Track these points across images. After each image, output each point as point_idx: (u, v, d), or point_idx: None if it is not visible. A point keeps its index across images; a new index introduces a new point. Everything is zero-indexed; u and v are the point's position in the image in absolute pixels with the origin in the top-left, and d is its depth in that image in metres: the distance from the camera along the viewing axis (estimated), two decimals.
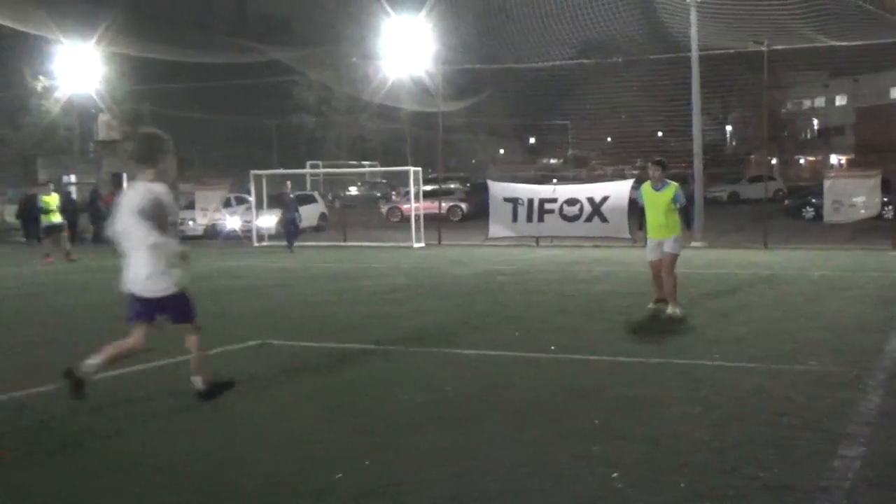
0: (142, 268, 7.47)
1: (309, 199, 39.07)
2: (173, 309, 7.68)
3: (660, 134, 67.24)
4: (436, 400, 8.00)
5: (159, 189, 7.60)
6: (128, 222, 7.42)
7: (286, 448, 6.60)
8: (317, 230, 37.29)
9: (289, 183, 31.71)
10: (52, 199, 25.09)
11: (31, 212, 37.38)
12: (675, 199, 12.86)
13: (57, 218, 24.93)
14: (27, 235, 36.61)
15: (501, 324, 12.47)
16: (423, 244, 30.16)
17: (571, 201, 28.54)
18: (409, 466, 6.11)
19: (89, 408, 7.80)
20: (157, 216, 7.41)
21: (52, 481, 5.97)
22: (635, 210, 14.44)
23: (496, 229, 29.93)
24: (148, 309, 7.58)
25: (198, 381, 7.82)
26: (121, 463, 6.31)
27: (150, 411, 7.81)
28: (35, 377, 8.99)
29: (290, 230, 29.19)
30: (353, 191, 56.37)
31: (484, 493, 5.52)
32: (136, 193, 7.55)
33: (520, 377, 8.91)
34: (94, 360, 7.57)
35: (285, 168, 40.18)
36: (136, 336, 7.68)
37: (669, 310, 12.44)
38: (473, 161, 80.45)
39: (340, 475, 5.88)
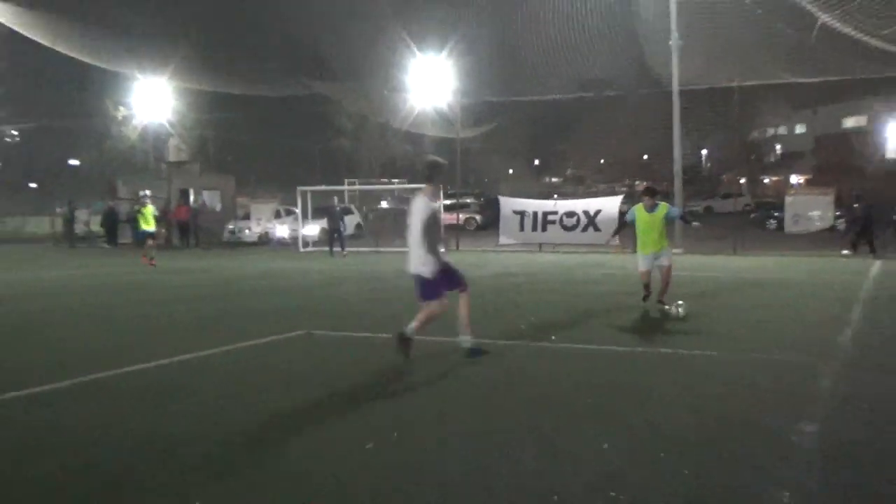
0: (417, 257, 8.92)
1: (347, 212, 39.17)
2: (425, 285, 8.98)
3: (645, 157, 67.17)
4: (454, 384, 8.00)
5: (435, 205, 9.01)
6: (413, 224, 8.82)
7: (324, 422, 6.61)
8: (353, 237, 37.32)
9: (336, 197, 32.00)
10: (149, 211, 25.32)
11: (112, 221, 37.73)
12: (668, 216, 12.80)
13: (151, 227, 25.12)
14: (108, 241, 36.91)
15: (515, 319, 12.45)
16: (443, 250, 30.16)
17: (570, 214, 28.60)
18: (430, 438, 6.12)
19: (112, 395, 7.86)
20: (433, 226, 8.86)
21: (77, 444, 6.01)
22: (623, 223, 14.41)
23: (505, 237, 29.99)
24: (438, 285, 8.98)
25: (466, 341, 9.13)
26: (151, 443, 6.35)
27: (182, 395, 7.83)
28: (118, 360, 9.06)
29: (333, 238, 29.36)
30: (384, 204, 56.41)
31: (496, 470, 5.50)
32: (420, 206, 8.83)
33: (530, 366, 8.88)
34: (412, 325, 9.01)
35: (327, 185, 40.24)
36: (440, 304, 9.06)
37: (674, 310, 12.20)
38: (486, 179, 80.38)
39: (370, 445, 5.89)
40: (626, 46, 33.48)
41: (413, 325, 9.01)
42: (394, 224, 44.67)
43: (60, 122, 51.04)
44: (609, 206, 28.15)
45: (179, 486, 5.14)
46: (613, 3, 31.83)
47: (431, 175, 9.04)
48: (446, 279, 9.11)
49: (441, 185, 9.31)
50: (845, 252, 25.16)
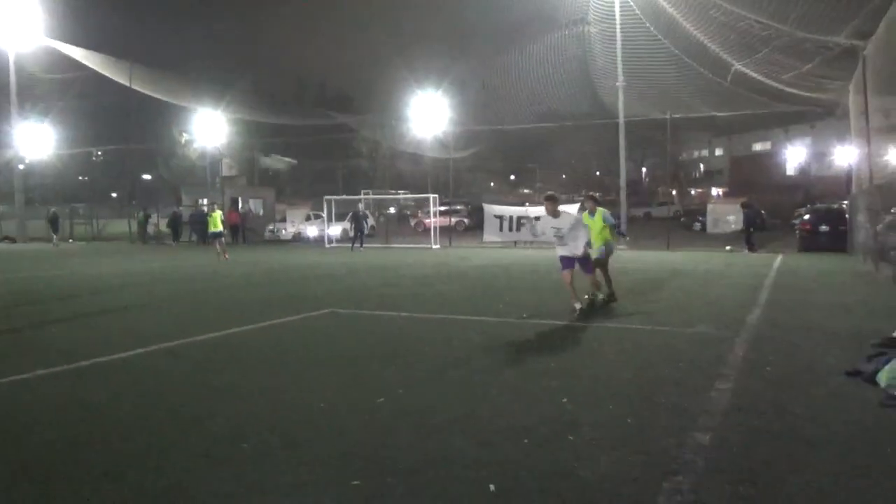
0: (575, 247, 10.47)
1: (366, 216, 39.16)
2: (583, 264, 10.66)
3: (598, 173, 67.26)
4: (448, 350, 8.02)
5: (572, 214, 11.01)
6: (567, 226, 10.53)
7: (347, 379, 6.63)
8: (368, 236, 37.39)
9: (360, 204, 32.21)
10: (217, 216, 24.85)
11: (176, 224, 37.65)
12: (604, 220, 12.39)
13: (219, 228, 24.61)
14: (174, 240, 36.87)
15: (493, 300, 12.48)
16: (438, 246, 30.19)
17: (538, 217, 28.62)
18: (429, 392, 6.14)
19: (158, 369, 7.84)
20: (580, 226, 10.68)
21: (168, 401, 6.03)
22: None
23: (488, 236, 30.03)
24: (571, 261, 10.54)
25: (585, 300, 10.56)
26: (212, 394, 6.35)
27: (231, 360, 7.84)
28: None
29: (357, 235, 29.52)
30: (392, 210, 56.42)
31: (479, 414, 5.54)
32: (566, 216, 10.72)
33: (507, 336, 8.91)
34: (578, 304, 10.35)
35: (347, 195, 40.22)
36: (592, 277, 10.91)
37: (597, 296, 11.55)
38: (473, 190, 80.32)
39: (382, 399, 5.91)
40: (583, 85, 33.53)
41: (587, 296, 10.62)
42: (398, 226, 44.72)
43: (136, 145, 50.84)
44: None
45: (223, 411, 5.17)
46: (573, 51, 31.86)
47: (552, 200, 10.83)
48: (584, 261, 10.69)
49: (554, 208, 10.73)
50: (728, 248, 25.40)
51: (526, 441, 4.85)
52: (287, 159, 43.80)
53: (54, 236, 33.38)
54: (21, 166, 42.79)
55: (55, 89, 44.94)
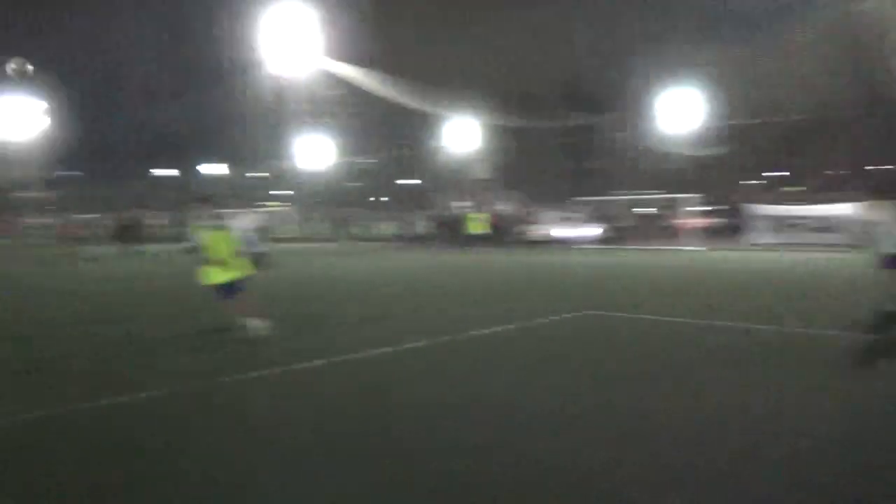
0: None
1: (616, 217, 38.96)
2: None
3: (890, 167, 60.19)
4: (648, 353, 7.91)
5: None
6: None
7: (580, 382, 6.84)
8: (622, 238, 36.99)
9: (613, 205, 32.69)
10: (479, 217, 25.87)
11: (441, 225, 40.13)
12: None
13: (480, 230, 25.66)
14: (439, 240, 39.33)
15: (758, 305, 11.84)
16: (700, 248, 29.18)
17: (813, 218, 26.61)
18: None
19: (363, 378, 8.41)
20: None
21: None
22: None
23: (755, 237, 28.47)
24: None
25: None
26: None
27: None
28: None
29: (611, 237, 30.09)
30: (648, 211, 55.09)
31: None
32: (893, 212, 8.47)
33: (740, 343, 8.55)
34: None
35: (594, 196, 40.16)
36: None
37: None
38: (728, 188, 75.70)
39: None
40: (858, 69, 30.47)
41: None
42: (653, 227, 43.58)
43: (397, 152, 55.09)
44: (850, 211, 25.31)
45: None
46: (845, 32, 29.05)
47: (881, 193, 8.91)
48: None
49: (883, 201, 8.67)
50: None
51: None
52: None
53: (339, 237, 37.48)
54: (303, 175, 48.56)
55: (330, 105, 50.27)
